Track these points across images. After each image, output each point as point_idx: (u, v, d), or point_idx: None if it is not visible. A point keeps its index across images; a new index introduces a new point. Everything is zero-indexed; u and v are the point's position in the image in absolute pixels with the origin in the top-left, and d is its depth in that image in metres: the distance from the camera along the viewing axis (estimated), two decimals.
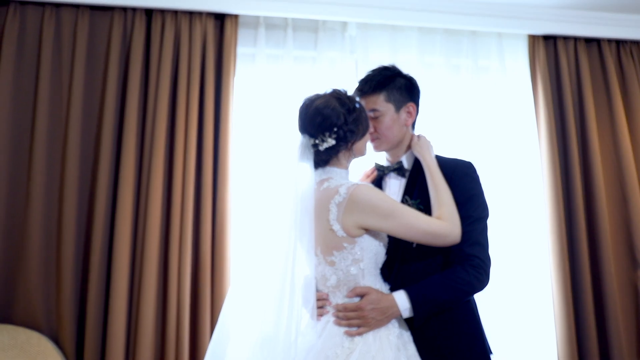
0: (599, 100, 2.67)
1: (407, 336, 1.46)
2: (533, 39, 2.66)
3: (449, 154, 1.64)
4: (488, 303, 2.34)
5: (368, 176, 1.74)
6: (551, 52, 2.69)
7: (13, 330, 1.94)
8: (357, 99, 1.55)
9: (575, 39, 2.70)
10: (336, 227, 1.41)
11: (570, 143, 2.56)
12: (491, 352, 1.54)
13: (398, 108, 1.58)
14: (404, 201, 1.55)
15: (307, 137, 1.47)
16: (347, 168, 1.52)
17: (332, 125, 1.43)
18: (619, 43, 2.75)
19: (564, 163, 2.57)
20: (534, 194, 2.57)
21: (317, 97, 1.48)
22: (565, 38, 2.69)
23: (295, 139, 1.50)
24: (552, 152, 2.53)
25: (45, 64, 2.26)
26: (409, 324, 1.47)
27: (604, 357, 2.38)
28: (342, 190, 1.41)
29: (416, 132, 1.67)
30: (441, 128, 2.51)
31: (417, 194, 1.54)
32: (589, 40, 2.74)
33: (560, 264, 2.43)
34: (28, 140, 2.22)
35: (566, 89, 2.61)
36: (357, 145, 1.50)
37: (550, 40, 2.70)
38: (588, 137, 2.58)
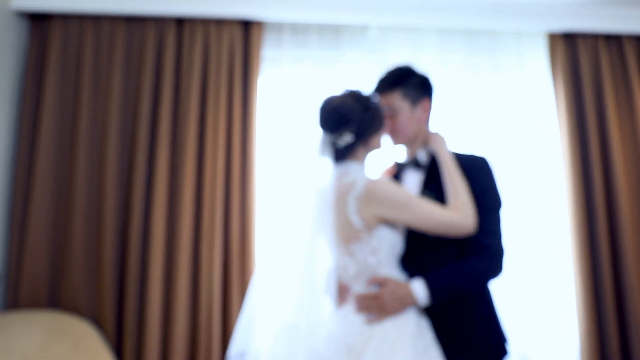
0: (619, 98, 2.63)
1: (424, 324, 1.50)
2: (552, 38, 2.65)
3: (465, 150, 1.69)
4: (511, 296, 2.38)
5: (389, 172, 1.80)
6: (570, 50, 2.66)
7: (59, 316, 2.08)
8: (375, 97, 1.62)
9: (595, 36, 2.67)
10: (354, 219, 1.47)
11: (591, 141, 2.54)
12: (506, 340, 1.57)
13: (414, 105, 1.65)
14: (421, 194, 1.60)
15: (326, 134, 1.55)
16: (364, 162, 1.59)
17: (348, 122, 1.51)
18: None
19: (584, 161, 2.55)
20: (555, 192, 2.57)
21: (335, 96, 1.56)
22: (585, 35, 2.66)
23: (316, 136, 1.58)
24: (572, 150, 2.53)
25: (86, 72, 2.40)
26: (427, 312, 1.52)
27: (624, 347, 2.37)
28: (360, 184, 1.47)
29: (437, 129, 1.73)
30: (462, 127, 2.55)
31: (433, 188, 1.60)
32: (609, 37, 2.70)
33: (581, 258, 2.43)
34: (71, 140, 2.37)
35: (586, 87, 2.58)
36: (373, 140, 1.57)
37: (569, 38, 2.68)
38: (609, 135, 2.55)
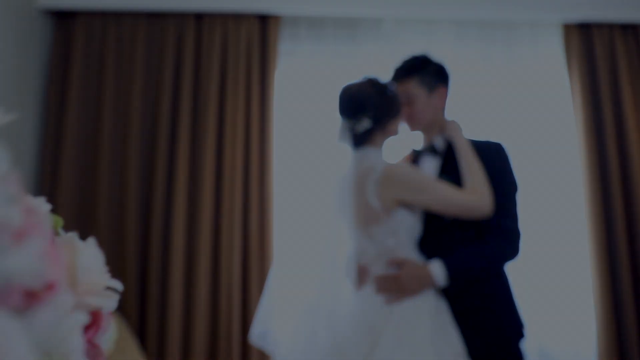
0: (636, 88, 2.61)
1: (442, 305, 1.53)
2: (567, 28, 2.64)
3: (481, 137, 1.72)
4: (527, 286, 2.39)
5: (407, 159, 1.84)
6: (586, 40, 2.64)
7: None
8: (392, 84, 1.66)
9: (611, 26, 2.65)
10: (373, 202, 1.51)
11: (607, 131, 2.52)
12: (522, 324, 1.59)
13: (430, 92, 1.68)
14: (439, 179, 1.63)
15: (345, 120, 1.59)
16: (382, 148, 1.62)
17: (366, 108, 1.55)
18: None
19: (600, 151, 2.54)
20: (571, 182, 2.57)
21: (353, 83, 1.61)
22: (600, 25, 2.65)
23: (335, 123, 1.63)
24: (589, 141, 2.52)
25: (109, 67, 2.47)
26: (444, 293, 1.55)
27: None
28: (378, 168, 1.51)
29: (452, 118, 1.76)
30: (478, 118, 2.56)
31: (450, 173, 1.63)
32: (625, 27, 2.67)
33: (598, 248, 2.43)
34: (95, 135, 2.44)
35: (602, 77, 2.57)
36: (391, 126, 1.61)
37: (584, 28, 2.66)
38: (625, 125, 2.53)
